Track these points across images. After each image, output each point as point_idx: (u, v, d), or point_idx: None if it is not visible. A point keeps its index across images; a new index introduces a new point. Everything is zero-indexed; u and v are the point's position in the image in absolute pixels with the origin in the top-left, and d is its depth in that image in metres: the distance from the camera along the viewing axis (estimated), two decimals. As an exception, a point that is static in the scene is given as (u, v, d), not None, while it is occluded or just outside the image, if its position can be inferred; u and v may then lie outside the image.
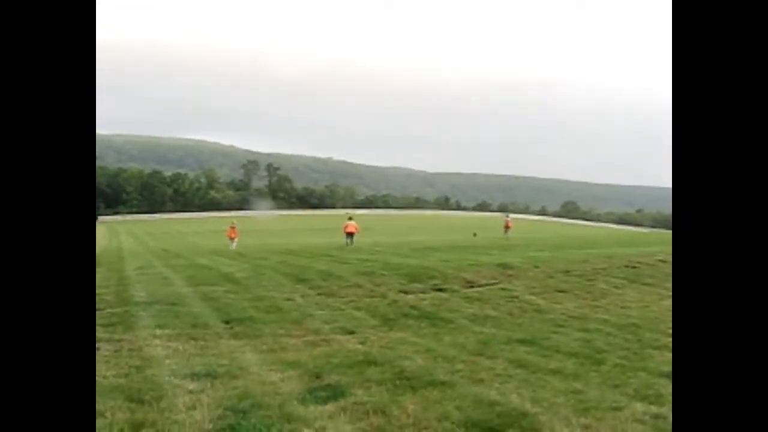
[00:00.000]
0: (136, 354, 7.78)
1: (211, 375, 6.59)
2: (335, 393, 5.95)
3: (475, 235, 47.76)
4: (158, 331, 9.18)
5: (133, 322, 9.98)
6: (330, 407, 5.52)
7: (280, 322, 10.44)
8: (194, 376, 6.53)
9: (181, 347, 8.22)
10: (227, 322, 10.23)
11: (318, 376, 6.67)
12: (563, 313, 11.88)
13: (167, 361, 7.32)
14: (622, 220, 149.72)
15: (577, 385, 6.43)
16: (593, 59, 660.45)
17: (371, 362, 7.39)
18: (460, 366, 7.32)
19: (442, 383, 6.41)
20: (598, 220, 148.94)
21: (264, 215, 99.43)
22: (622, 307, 12.68)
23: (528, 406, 5.56)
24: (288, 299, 12.85)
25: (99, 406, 5.33)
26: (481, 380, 6.64)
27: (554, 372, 7.11)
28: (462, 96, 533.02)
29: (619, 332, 9.75)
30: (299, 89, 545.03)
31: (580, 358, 7.85)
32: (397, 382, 6.45)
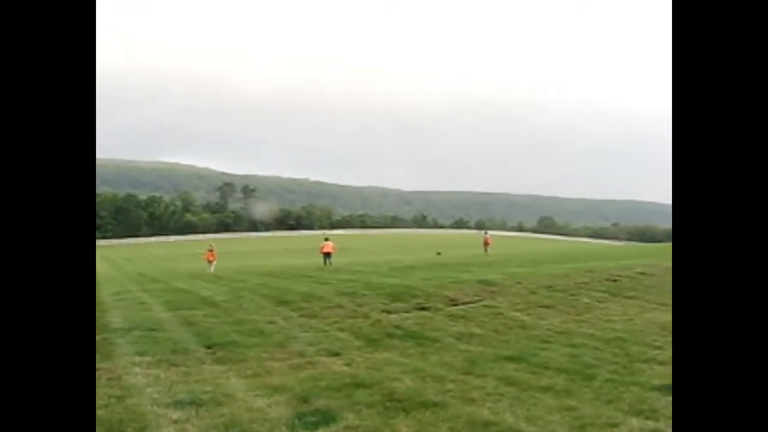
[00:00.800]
0: (115, 383, 7.52)
1: (195, 403, 6.37)
2: (325, 418, 5.78)
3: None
4: (137, 359, 8.92)
5: (111, 349, 9.69)
6: (321, 433, 5.36)
7: (263, 345, 10.21)
8: (178, 405, 6.31)
9: (162, 374, 7.97)
10: (209, 347, 9.99)
11: (306, 401, 6.49)
12: (549, 329, 11.79)
13: (148, 390, 7.08)
14: (597, 234, 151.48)
15: (571, 402, 6.34)
16: (568, 74, 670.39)
17: (359, 384, 7.23)
18: (450, 386, 7.19)
19: (434, 404, 6.28)
20: (575, 235, 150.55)
21: (240, 237, 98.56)
22: (606, 321, 12.63)
23: (523, 425, 5.46)
24: (270, 322, 12.61)
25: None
26: (473, 400, 6.52)
27: (545, 389, 7.01)
28: (437, 114, 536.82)
29: (606, 346, 9.70)
30: (273, 109, 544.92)
31: (570, 374, 7.77)
32: (388, 404, 6.30)
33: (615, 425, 5.46)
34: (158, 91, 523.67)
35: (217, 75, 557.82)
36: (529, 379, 7.55)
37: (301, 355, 9.52)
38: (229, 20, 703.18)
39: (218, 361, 9.03)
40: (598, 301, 15.29)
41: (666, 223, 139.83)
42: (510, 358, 8.87)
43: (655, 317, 12.59)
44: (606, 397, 6.54)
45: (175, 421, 5.72)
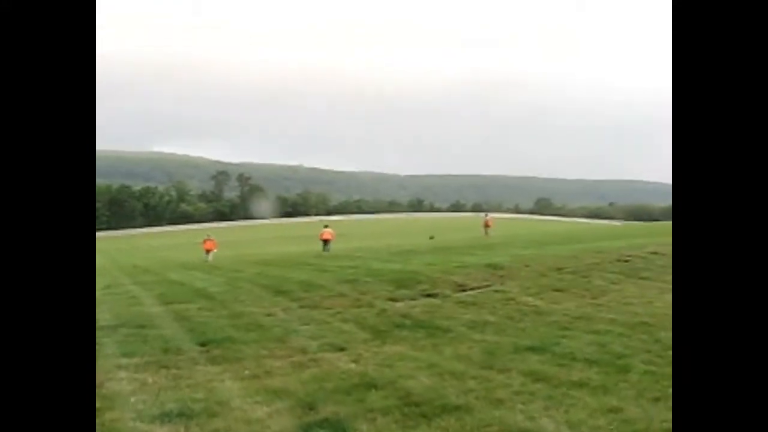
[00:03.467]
0: (96, 392, 6.72)
1: (185, 414, 5.57)
2: (335, 430, 4.99)
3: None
4: (124, 361, 8.10)
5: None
6: (332, 451, 4.57)
7: (261, 341, 9.41)
8: (165, 417, 5.52)
9: (150, 379, 7.16)
10: (203, 345, 9.19)
11: (312, 407, 5.71)
12: (565, 314, 11.02)
13: (133, 399, 6.26)
14: (595, 214, 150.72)
15: (612, 401, 5.59)
16: (563, 55, 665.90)
17: (370, 385, 6.45)
18: (471, 384, 6.43)
19: (457, 408, 5.53)
20: (572, 215, 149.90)
21: (237, 226, 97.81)
22: (625, 304, 11.85)
23: (567, 434, 4.68)
24: (268, 314, 11.83)
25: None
26: (501, 401, 5.76)
27: (579, 385, 6.26)
28: (431, 98, 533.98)
29: (632, 332, 8.94)
30: (266, 97, 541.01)
31: (601, 366, 7.03)
32: (405, 409, 5.54)
33: (673, 431, 4.70)
34: (148, 81, 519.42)
35: (207, 63, 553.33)
36: (558, 372, 6.80)
37: (304, 351, 8.72)
38: (219, 6, 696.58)
39: (213, 361, 8.23)
40: (612, 283, 14.50)
41: (662, 202, 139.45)
42: (531, 349, 8.13)
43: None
44: (651, 394, 5.78)
45: (161, 440, 4.94)
